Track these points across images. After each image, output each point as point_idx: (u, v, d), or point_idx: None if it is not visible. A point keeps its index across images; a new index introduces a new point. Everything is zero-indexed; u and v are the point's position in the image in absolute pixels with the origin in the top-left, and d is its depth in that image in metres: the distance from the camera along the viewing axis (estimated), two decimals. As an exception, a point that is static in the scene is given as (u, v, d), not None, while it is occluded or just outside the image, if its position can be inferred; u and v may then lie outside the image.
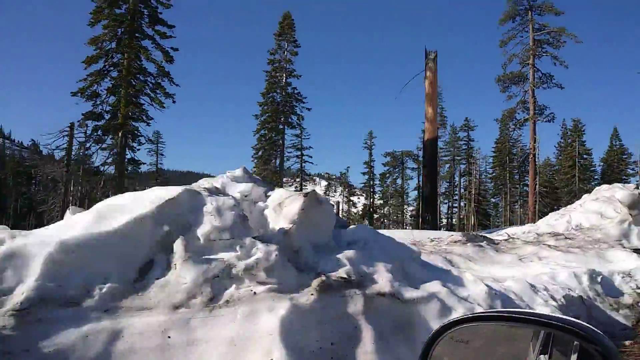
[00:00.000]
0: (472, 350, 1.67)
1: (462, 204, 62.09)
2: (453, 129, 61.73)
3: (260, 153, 40.82)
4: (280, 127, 41.15)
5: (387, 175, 64.87)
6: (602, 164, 54.27)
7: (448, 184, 62.41)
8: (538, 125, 41.25)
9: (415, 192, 66.66)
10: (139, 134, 26.81)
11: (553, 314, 1.32)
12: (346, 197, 68.64)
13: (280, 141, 41.14)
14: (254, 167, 38.42)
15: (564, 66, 41.46)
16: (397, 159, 65.28)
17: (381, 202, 67.76)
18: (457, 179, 61.10)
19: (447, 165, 62.36)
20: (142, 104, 26.66)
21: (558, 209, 14.75)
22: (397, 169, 65.63)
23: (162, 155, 54.90)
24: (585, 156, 51.44)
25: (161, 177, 51.08)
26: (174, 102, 27.45)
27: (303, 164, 67.93)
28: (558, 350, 1.50)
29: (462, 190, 60.41)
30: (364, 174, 62.25)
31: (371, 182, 61.75)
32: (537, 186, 41.85)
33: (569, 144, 49.73)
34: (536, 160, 42.66)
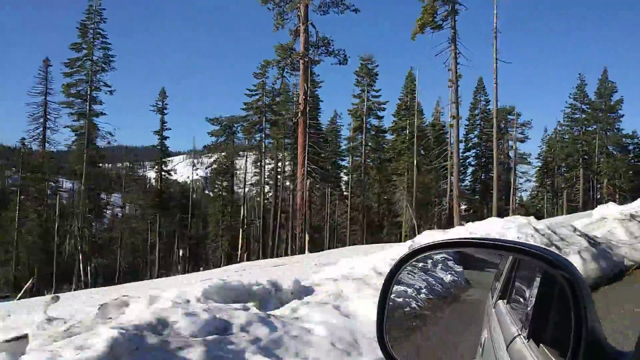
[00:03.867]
0: None
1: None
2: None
3: None
4: None
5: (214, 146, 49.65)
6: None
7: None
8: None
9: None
10: None
11: (520, 241, 1.33)
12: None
13: None
14: None
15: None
16: (225, 127, 50.48)
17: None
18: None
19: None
20: None
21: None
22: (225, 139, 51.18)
23: None
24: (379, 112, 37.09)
25: None
26: None
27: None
28: (522, 277, 1.55)
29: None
30: (154, 146, 46.22)
31: (162, 159, 45.82)
32: (306, 155, 27.89)
33: (358, 95, 35.82)
34: (307, 118, 28.66)
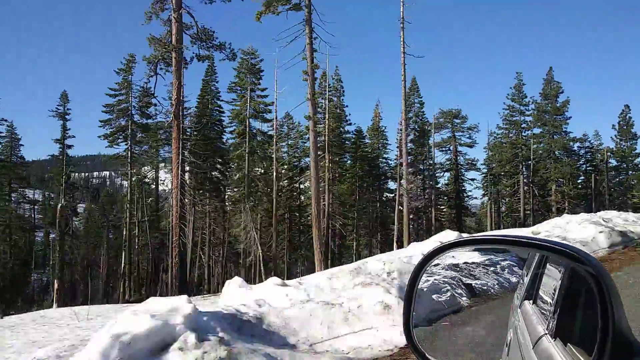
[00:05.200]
0: None
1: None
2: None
3: None
4: None
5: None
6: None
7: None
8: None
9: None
10: None
11: (545, 238, 1.31)
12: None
13: None
14: None
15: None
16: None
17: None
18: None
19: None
20: None
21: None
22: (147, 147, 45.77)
23: None
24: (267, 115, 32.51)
25: None
26: None
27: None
28: (547, 275, 1.56)
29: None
30: (53, 157, 41.29)
31: (65, 169, 40.89)
32: (180, 163, 23.70)
33: (241, 95, 31.57)
34: (181, 122, 24.46)
